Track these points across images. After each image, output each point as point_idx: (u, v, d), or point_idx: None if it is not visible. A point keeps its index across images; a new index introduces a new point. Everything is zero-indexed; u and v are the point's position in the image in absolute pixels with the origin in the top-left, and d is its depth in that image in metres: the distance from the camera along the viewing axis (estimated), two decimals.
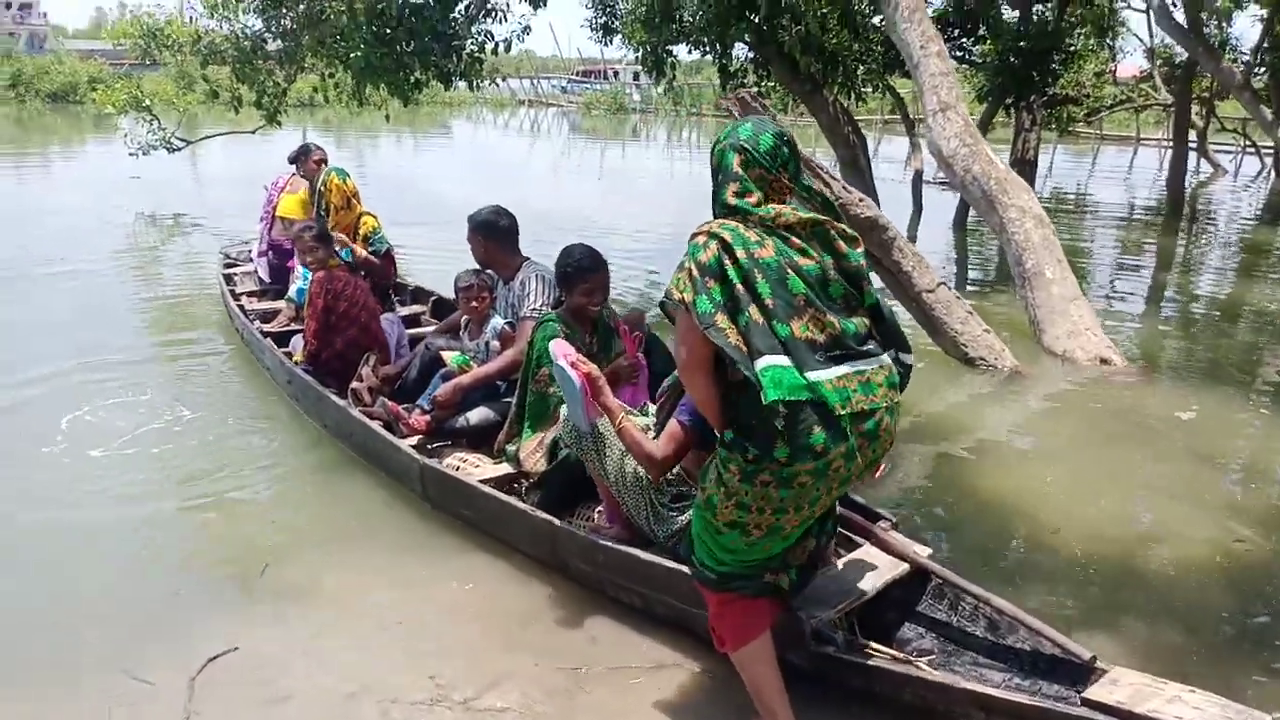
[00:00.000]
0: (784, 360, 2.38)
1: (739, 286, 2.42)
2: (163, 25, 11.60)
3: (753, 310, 2.41)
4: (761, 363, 2.38)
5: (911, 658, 2.79)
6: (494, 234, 4.54)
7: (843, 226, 2.56)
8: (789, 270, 2.45)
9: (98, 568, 3.66)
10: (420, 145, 26.35)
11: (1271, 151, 24.43)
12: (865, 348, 2.50)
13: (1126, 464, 5.01)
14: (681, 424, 3.04)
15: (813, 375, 2.39)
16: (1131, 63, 26.76)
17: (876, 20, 12.68)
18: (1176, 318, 9.06)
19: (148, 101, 13.00)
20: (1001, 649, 2.86)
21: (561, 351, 3.17)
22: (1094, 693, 2.42)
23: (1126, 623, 3.42)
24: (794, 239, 2.49)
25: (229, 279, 7.29)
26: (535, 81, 47.31)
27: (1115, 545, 4.01)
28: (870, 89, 13.29)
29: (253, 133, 12.96)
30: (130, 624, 3.27)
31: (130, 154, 13.07)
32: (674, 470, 3.21)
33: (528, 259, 4.58)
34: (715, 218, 2.56)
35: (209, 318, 7.21)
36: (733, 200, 2.52)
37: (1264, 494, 4.70)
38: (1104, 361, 6.53)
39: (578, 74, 48.78)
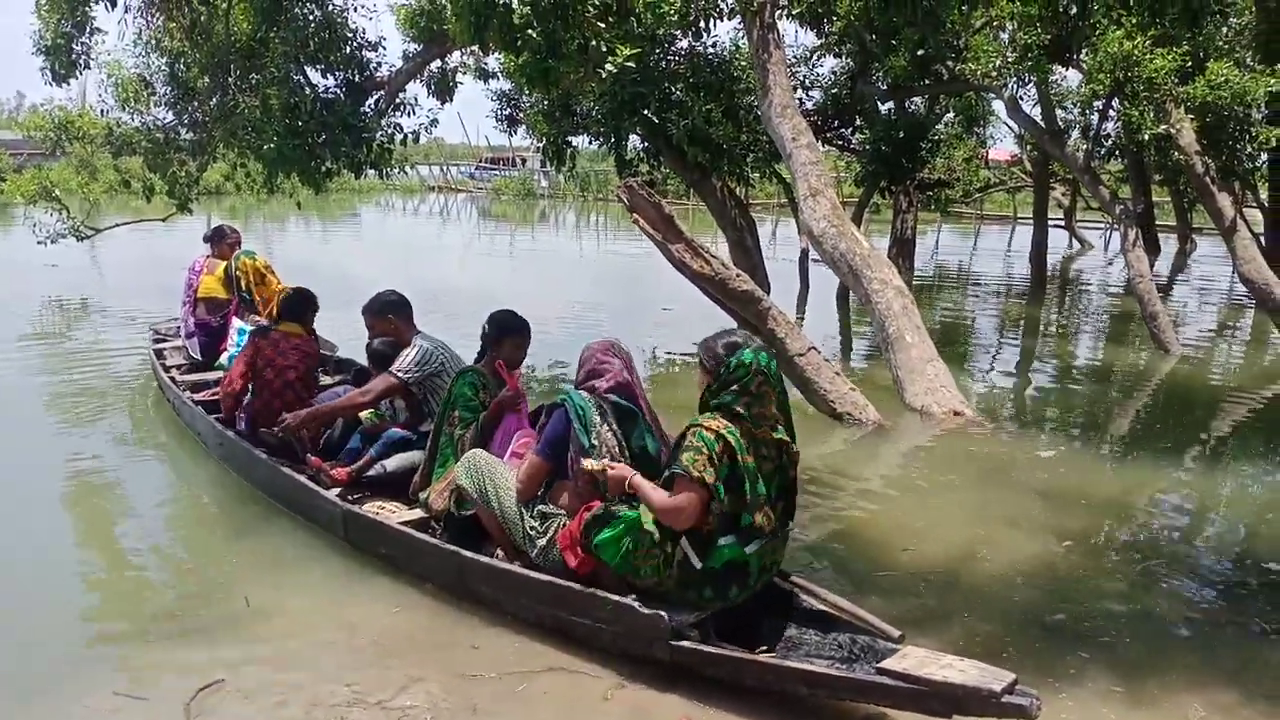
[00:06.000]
0: (735, 540, 3.39)
1: (731, 480, 3.34)
2: (74, 118, 11.90)
3: (729, 500, 3.34)
4: (721, 541, 3.37)
5: (753, 652, 3.35)
6: (406, 313, 5.17)
7: (797, 451, 3.53)
8: (759, 477, 3.39)
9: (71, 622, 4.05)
10: (329, 232, 26.62)
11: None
12: (787, 529, 3.57)
13: (974, 499, 5.76)
14: (539, 456, 3.81)
15: (749, 549, 3.42)
16: (1004, 147, 28.75)
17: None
18: (1034, 377, 10.06)
19: (56, 191, 13.18)
20: (830, 638, 3.46)
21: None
22: (886, 664, 3.02)
23: (954, 620, 4.07)
24: (763, 449, 3.40)
25: (159, 354, 7.66)
26: (445, 168, 48.06)
27: (954, 561, 4.70)
28: (759, 175, 14.27)
29: (162, 220, 13.27)
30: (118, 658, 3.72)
31: (39, 242, 13.20)
32: (539, 498, 3.89)
33: (419, 332, 5.14)
34: (711, 410, 3.42)
35: (129, 394, 7.57)
36: (739, 409, 3.37)
37: (1086, 516, 5.43)
38: (956, 414, 7.32)
39: (486, 161, 49.58)
